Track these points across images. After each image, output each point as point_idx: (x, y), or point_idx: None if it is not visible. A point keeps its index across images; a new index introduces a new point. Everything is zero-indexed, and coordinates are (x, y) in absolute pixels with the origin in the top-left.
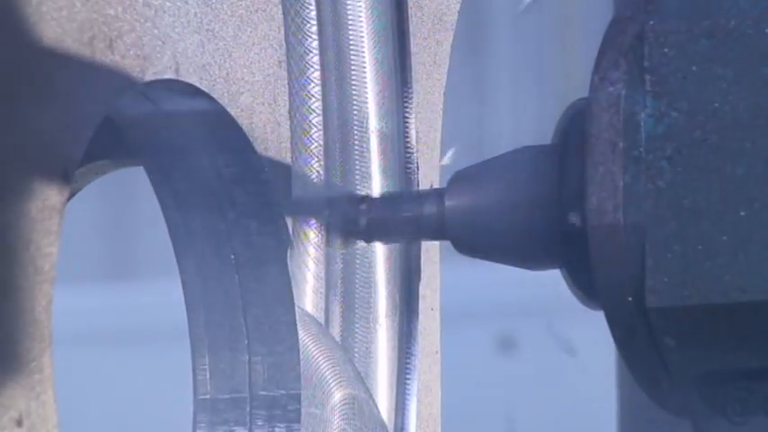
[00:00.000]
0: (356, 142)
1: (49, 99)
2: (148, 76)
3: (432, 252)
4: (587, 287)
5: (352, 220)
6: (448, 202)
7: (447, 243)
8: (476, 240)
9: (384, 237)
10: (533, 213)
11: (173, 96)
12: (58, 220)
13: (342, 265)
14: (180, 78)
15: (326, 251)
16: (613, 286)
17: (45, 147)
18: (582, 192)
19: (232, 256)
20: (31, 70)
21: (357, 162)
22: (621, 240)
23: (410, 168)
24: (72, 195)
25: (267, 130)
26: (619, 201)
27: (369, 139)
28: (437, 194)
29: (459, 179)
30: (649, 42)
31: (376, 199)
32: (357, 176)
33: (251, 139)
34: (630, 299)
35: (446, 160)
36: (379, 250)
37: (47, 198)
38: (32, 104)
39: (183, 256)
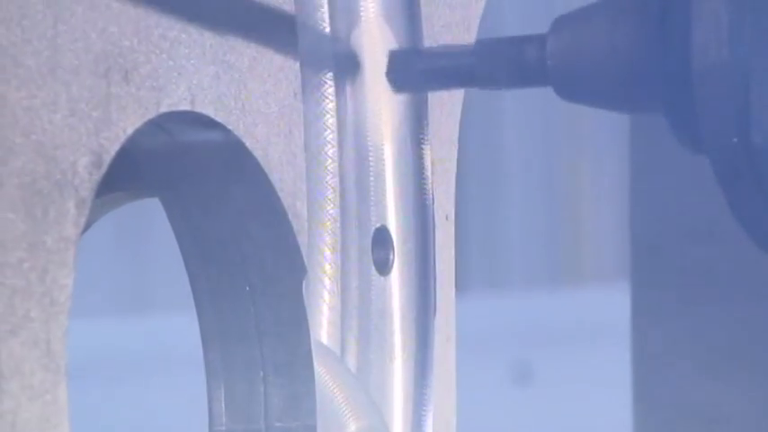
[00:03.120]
0: (371, 173)
1: (64, 131)
2: (164, 108)
3: (447, 282)
4: (689, 130)
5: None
6: (549, 47)
7: (462, 273)
8: (578, 85)
9: (487, 82)
10: (636, 55)
11: (188, 128)
12: (74, 252)
13: (357, 297)
14: (195, 110)
15: (342, 282)
16: (718, 127)
17: (61, 178)
18: (686, 30)
19: (247, 288)
20: (48, 101)
21: (372, 194)
22: (726, 78)
23: (425, 199)
24: (88, 227)
25: (283, 161)
26: (724, 38)
27: (384, 169)
28: (539, 39)
29: (561, 23)
30: None
31: (475, 45)
32: (372, 208)
33: (267, 171)
34: (736, 139)
35: None
36: (395, 282)
37: (62, 230)
38: (48, 136)
39: (198, 288)
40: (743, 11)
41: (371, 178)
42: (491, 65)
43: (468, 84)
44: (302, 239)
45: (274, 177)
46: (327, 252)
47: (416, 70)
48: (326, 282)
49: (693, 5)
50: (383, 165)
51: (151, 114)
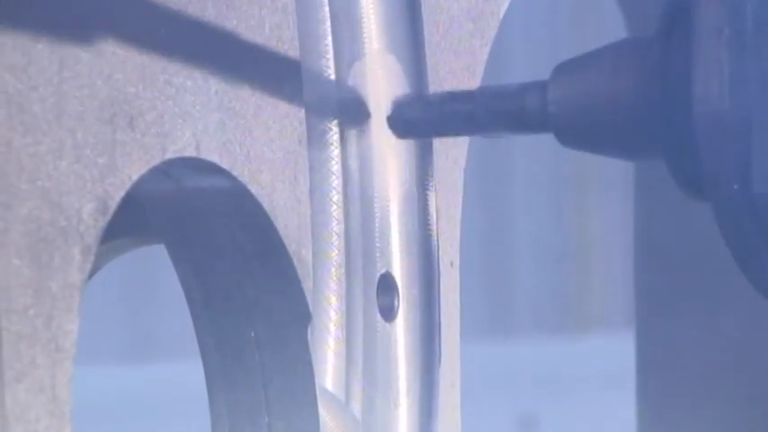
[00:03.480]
0: (377, 219)
1: (70, 177)
2: (169, 154)
3: (452, 328)
4: (691, 178)
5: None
6: (551, 95)
7: (466, 319)
8: (579, 132)
9: (485, 129)
10: (637, 102)
11: (193, 174)
12: (79, 298)
13: (362, 343)
14: (201, 156)
15: (347, 328)
16: (720, 174)
17: (66, 224)
18: (687, 79)
19: (252, 333)
20: (53, 148)
21: (377, 240)
22: (727, 126)
23: (430, 245)
24: (93, 273)
25: (288, 207)
26: (725, 87)
27: (389, 216)
28: (540, 87)
29: (562, 71)
30: None
31: (477, 92)
32: (377, 254)
33: (272, 217)
34: (737, 186)
35: None
36: (400, 328)
37: (68, 276)
38: (54, 182)
39: (203, 333)
40: (744, 59)
41: (376, 225)
42: (492, 112)
43: (469, 131)
44: (307, 285)
45: (279, 223)
46: (332, 298)
47: (418, 117)
48: (331, 328)
49: (694, 53)
50: (388, 211)
51: (156, 161)
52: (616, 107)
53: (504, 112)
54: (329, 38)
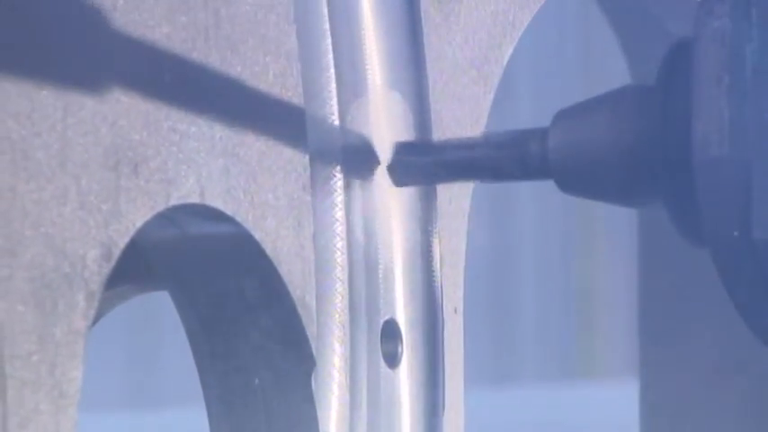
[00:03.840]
0: (381, 266)
1: (74, 223)
2: (173, 201)
3: (456, 375)
4: (690, 224)
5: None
6: (551, 142)
7: (469, 365)
8: (579, 179)
9: (486, 176)
10: (637, 149)
11: (197, 220)
12: (83, 345)
13: (366, 390)
14: (205, 202)
15: (351, 375)
16: (719, 220)
17: (70, 271)
18: (687, 126)
19: (256, 380)
20: (57, 194)
21: (381, 286)
22: (727, 174)
23: (434, 291)
24: (97, 320)
25: (292, 253)
26: (725, 134)
27: (393, 262)
28: (541, 134)
29: (562, 118)
30: None
31: (478, 139)
32: (381, 300)
33: (276, 263)
34: (736, 232)
35: None
36: (404, 375)
37: (72, 322)
38: (58, 229)
39: (207, 380)
40: (743, 106)
41: (380, 271)
42: (493, 158)
43: (470, 177)
44: (311, 331)
45: (283, 269)
46: (336, 344)
47: (417, 164)
48: (335, 374)
49: (694, 100)
50: (392, 257)
51: (160, 207)
52: (616, 154)
53: (505, 158)
54: (333, 84)
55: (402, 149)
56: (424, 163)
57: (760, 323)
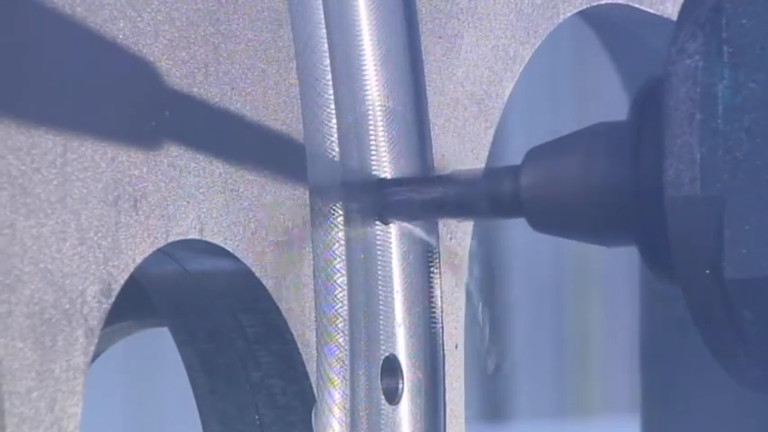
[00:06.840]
0: (380, 301)
1: (73, 259)
2: (173, 236)
3: (456, 412)
4: (662, 262)
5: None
6: (523, 180)
7: (470, 402)
8: (551, 217)
9: (459, 214)
10: (608, 187)
11: (197, 256)
12: (83, 381)
13: (367, 426)
14: (204, 238)
15: (351, 412)
16: (691, 259)
17: (69, 307)
18: (659, 165)
19: (256, 417)
20: (57, 230)
21: (381, 322)
22: (699, 212)
23: (435, 328)
24: (97, 356)
25: (292, 289)
26: (696, 173)
27: (393, 298)
28: (512, 172)
29: (535, 156)
30: (727, 14)
31: (451, 176)
32: (381, 337)
33: (276, 300)
34: (708, 271)
35: None
36: (404, 412)
37: (71, 359)
38: (57, 264)
39: (207, 417)
40: (715, 146)
41: (381, 307)
42: (465, 196)
43: (443, 214)
44: (311, 368)
45: (283, 306)
46: (336, 381)
47: (394, 202)
48: (335, 411)
49: (666, 140)
50: (392, 293)
51: (160, 243)
52: (588, 192)
53: (476, 195)
54: (333, 120)
55: (380, 186)
56: (396, 200)
57: (731, 362)
